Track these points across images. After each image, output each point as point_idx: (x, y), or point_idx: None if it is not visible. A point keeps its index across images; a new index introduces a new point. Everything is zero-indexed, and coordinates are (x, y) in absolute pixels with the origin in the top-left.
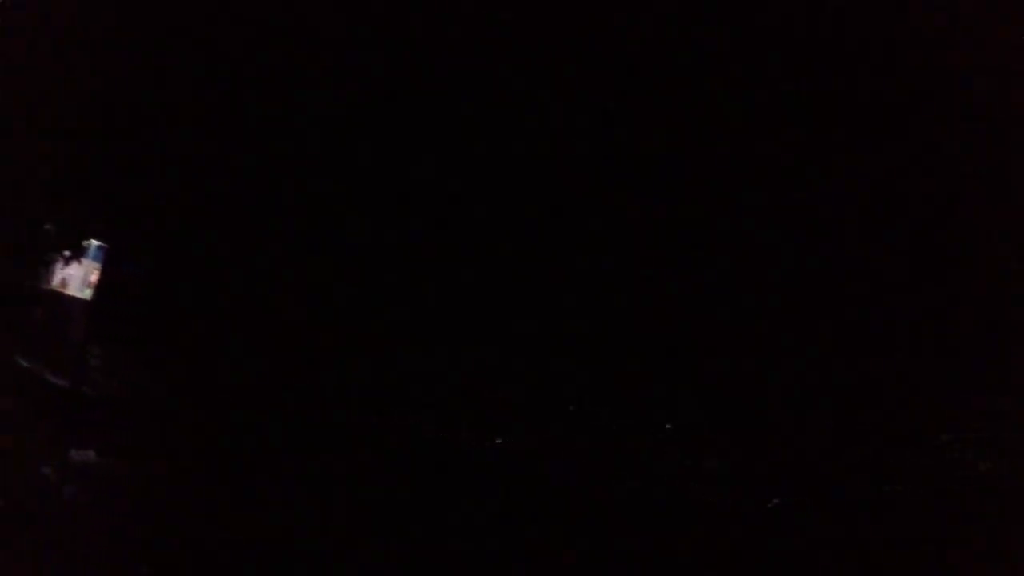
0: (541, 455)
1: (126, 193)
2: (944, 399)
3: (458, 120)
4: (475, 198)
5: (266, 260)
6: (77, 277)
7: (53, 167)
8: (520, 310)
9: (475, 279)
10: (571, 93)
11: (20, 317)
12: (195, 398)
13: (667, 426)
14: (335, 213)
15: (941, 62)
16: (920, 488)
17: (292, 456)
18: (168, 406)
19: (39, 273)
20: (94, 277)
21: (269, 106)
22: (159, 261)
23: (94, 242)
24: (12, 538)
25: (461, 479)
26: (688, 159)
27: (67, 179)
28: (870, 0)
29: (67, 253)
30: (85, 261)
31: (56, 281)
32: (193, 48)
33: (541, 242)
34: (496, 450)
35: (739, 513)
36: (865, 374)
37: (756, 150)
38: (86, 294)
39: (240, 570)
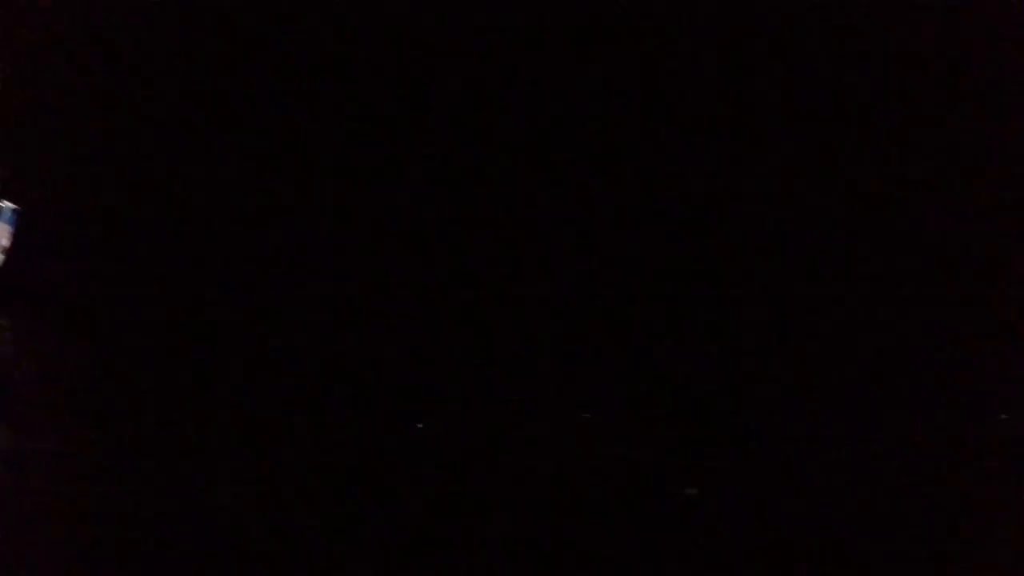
0: (541, 455)
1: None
2: (944, 400)
3: (458, 120)
4: (475, 197)
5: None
6: None
7: None
8: (520, 310)
9: (475, 278)
10: (571, 92)
11: None
12: (123, 378)
13: (585, 416)
14: (334, 211)
15: (941, 62)
16: (921, 488)
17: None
18: (85, 384)
19: None
20: (6, 240)
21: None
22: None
23: (7, 204)
24: None
25: (461, 479)
26: (687, 159)
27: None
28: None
29: None
30: None
31: None
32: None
33: (541, 242)
34: (497, 450)
35: (737, 512)
36: (865, 374)
37: (756, 150)
38: None
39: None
